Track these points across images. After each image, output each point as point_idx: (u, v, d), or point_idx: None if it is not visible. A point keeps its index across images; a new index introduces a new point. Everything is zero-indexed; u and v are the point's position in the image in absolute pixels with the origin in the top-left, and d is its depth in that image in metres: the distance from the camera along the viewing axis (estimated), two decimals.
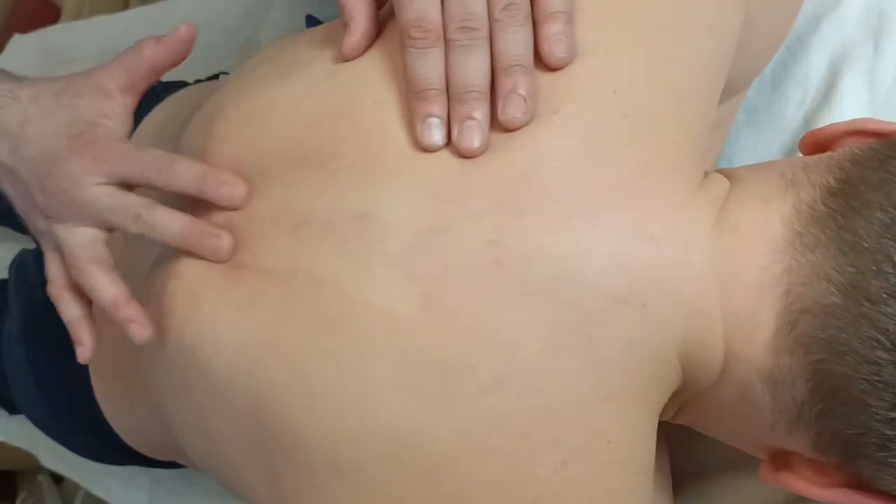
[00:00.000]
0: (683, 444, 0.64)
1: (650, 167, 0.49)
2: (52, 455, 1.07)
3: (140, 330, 0.55)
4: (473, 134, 0.48)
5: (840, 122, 0.52)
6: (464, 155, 0.48)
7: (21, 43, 1.26)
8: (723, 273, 0.48)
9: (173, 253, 0.58)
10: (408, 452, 0.47)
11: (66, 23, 1.47)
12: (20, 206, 0.60)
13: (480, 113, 0.48)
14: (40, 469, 1.33)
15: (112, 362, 0.75)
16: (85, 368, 0.78)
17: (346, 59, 0.53)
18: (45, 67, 1.21)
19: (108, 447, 0.84)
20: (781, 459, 0.51)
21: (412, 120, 0.49)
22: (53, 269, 0.61)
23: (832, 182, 0.47)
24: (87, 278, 0.57)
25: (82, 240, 0.58)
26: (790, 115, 0.74)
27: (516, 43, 0.49)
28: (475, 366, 0.46)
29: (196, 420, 0.58)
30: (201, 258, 0.54)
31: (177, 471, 0.92)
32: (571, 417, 0.46)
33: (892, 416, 0.42)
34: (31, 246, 0.92)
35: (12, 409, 1.05)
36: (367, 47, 0.53)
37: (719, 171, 0.54)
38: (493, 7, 0.48)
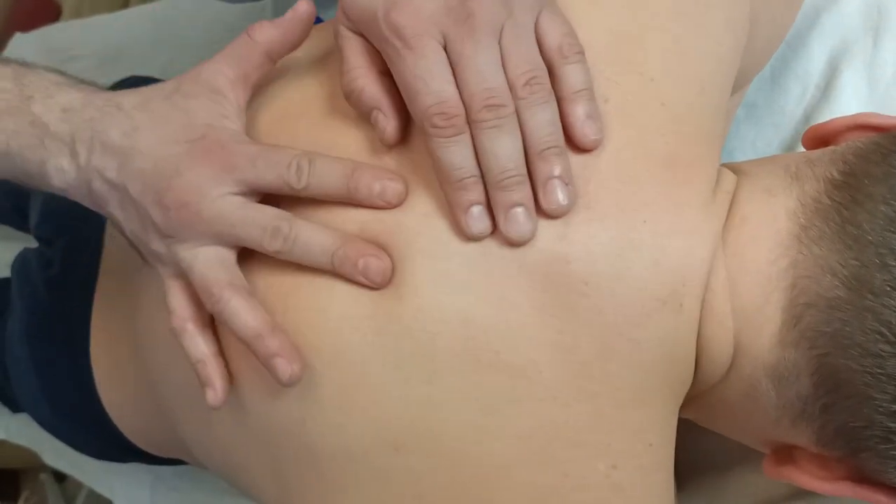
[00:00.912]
0: (687, 439, 0.64)
1: (683, 159, 0.49)
2: (55, 453, 1.07)
3: (286, 366, 0.47)
4: (521, 220, 0.46)
5: (842, 117, 0.53)
6: (515, 244, 0.46)
7: (22, 42, 1.26)
8: (732, 268, 0.48)
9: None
10: (470, 463, 0.46)
11: (66, 21, 1.48)
12: (131, 228, 0.52)
13: (523, 196, 0.46)
14: (43, 468, 1.34)
15: (115, 359, 0.75)
16: (88, 366, 0.78)
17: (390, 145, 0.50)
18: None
19: (110, 445, 0.84)
20: (785, 454, 0.51)
21: (453, 210, 0.46)
22: (176, 299, 0.52)
23: (836, 175, 0.47)
24: (224, 305, 0.49)
25: (211, 261, 0.50)
26: (790, 110, 0.75)
27: (545, 122, 0.46)
28: (542, 370, 0.46)
29: (203, 419, 0.58)
30: (352, 282, 0.48)
31: (179, 468, 0.92)
32: (620, 422, 0.46)
33: (894, 408, 0.43)
34: (34, 245, 0.92)
35: (15, 408, 1.05)
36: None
37: (725, 165, 0.54)
38: (514, 83, 0.46)
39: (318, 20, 0.88)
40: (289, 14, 0.52)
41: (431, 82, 0.45)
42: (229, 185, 0.49)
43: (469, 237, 0.46)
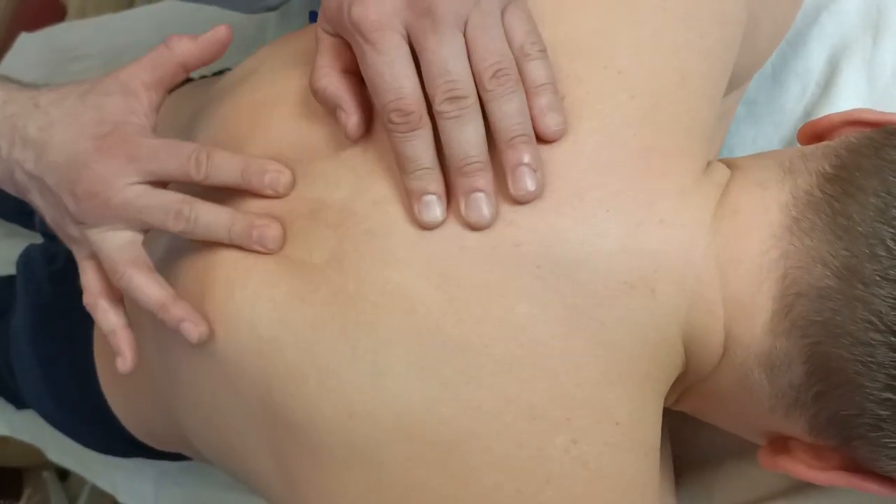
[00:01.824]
0: (684, 432, 0.64)
1: (658, 149, 0.49)
2: (58, 449, 1.07)
3: (193, 328, 0.53)
4: (481, 205, 0.47)
5: (837, 113, 0.53)
6: (474, 228, 0.48)
7: (27, 41, 1.27)
8: (723, 258, 0.48)
9: (180, 247, 0.58)
10: (420, 430, 0.47)
11: (71, 21, 1.48)
12: (50, 214, 0.57)
13: (485, 182, 0.48)
14: (45, 466, 1.34)
15: (137, 350, 0.76)
16: (91, 361, 0.79)
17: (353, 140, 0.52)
18: (51, 66, 1.22)
19: (114, 439, 0.84)
20: (780, 444, 0.51)
21: (409, 198, 0.49)
22: (89, 277, 0.58)
23: (828, 169, 0.48)
24: (128, 282, 0.55)
25: (119, 243, 0.55)
26: (790, 107, 0.75)
27: (513, 112, 0.48)
28: (489, 345, 0.47)
29: (203, 408, 0.58)
30: (249, 250, 0.53)
31: (182, 463, 0.92)
32: (582, 399, 0.47)
33: (885, 396, 0.43)
34: (38, 241, 0.93)
35: (19, 404, 1.06)
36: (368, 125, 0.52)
37: (721, 160, 0.55)
38: (482, 76, 0.47)
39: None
40: (208, 33, 0.56)
41: (390, 78, 0.47)
42: (134, 176, 0.53)
43: (421, 225, 0.48)
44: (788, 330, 0.46)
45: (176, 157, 0.54)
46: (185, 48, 0.56)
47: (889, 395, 0.43)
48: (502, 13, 0.48)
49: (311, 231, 0.52)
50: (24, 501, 1.40)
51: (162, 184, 0.55)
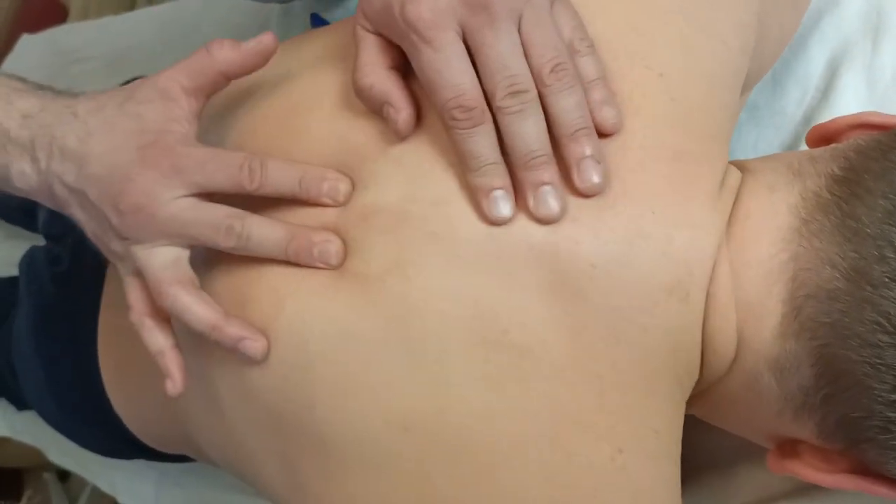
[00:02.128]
0: (691, 434, 0.64)
1: (692, 154, 0.49)
2: (59, 450, 1.07)
3: (253, 346, 0.50)
4: (549, 199, 0.47)
5: (845, 116, 0.54)
6: (543, 222, 0.47)
7: (29, 43, 1.27)
8: (736, 262, 0.49)
9: (213, 258, 0.56)
10: (477, 441, 0.46)
11: (73, 23, 1.48)
12: (91, 229, 0.54)
13: (551, 176, 0.47)
14: (46, 467, 1.34)
15: (123, 355, 0.76)
16: (95, 362, 0.78)
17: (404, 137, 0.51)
18: (53, 68, 1.22)
19: (116, 441, 0.84)
20: (788, 448, 0.52)
21: (476, 196, 0.48)
22: (134, 295, 0.55)
23: (837, 171, 0.48)
24: (174, 302, 0.52)
25: (164, 261, 0.52)
26: (790, 111, 0.75)
27: (573, 105, 0.47)
28: (550, 350, 0.46)
29: (212, 410, 0.58)
30: (308, 266, 0.51)
31: (183, 465, 0.92)
32: (624, 405, 0.47)
33: (893, 398, 0.43)
34: (41, 243, 0.93)
35: (20, 406, 1.06)
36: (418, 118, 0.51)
37: (731, 162, 0.55)
38: (541, 70, 0.47)
39: (324, 22, 0.89)
40: (252, 42, 0.53)
41: (448, 75, 0.47)
42: (180, 188, 0.51)
43: (491, 221, 0.48)
44: (797, 332, 0.46)
45: (226, 167, 0.51)
46: (227, 56, 0.53)
47: None
48: (550, 7, 0.49)
49: (365, 239, 0.50)
50: (24, 502, 1.40)
51: (209, 196, 0.52)
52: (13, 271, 0.95)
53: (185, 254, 0.53)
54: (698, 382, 0.51)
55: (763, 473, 0.63)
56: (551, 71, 0.47)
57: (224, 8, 1.12)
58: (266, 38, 0.53)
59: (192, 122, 0.53)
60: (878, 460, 0.47)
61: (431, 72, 0.47)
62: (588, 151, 0.47)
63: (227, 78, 0.54)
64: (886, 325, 0.43)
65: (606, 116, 0.48)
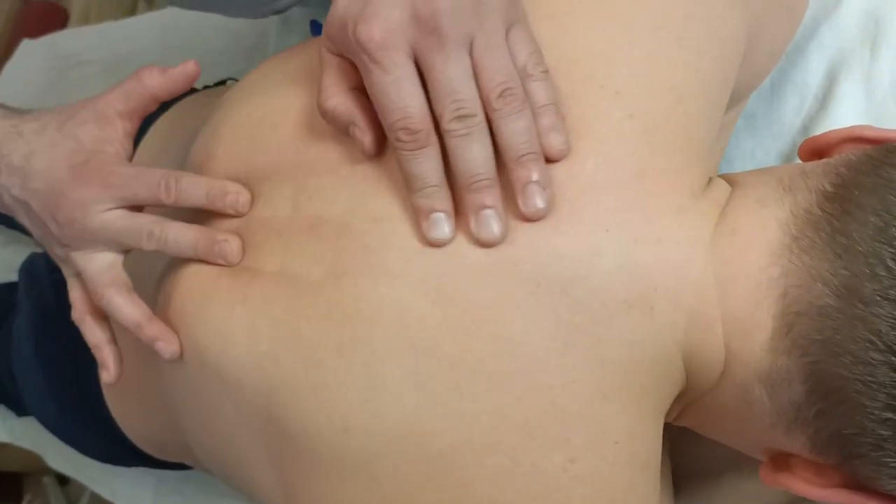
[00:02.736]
0: (684, 445, 0.64)
1: (655, 168, 0.49)
2: (59, 456, 1.07)
3: (166, 346, 0.57)
4: (491, 222, 0.48)
5: (838, 129, 0.53)
6: (484, 245, 0.48)
7: (30, 48, 1.27)
8: (723, 276, 0.49)
9: (181, 262, 0.59)
10: (413, 444, 0.47)
11: (74, 28, 1.48)
12: (37, 234, 0.61)
13: (493, 199, 0.48)
14: (45, 471, 1.34)
15: (123, 362, 0.76)
16: (94, 369, 0.77)
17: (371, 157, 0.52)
18: (54, 72, 1.22)
19: (115, 448, 0.84)
20: (781, 461, 0.51)
21: (416, 216, 0.49)
22: (75, 294, 0.62)
23: (828, 187, 0.48)
24: (108, 302, 0.58)
25: (100, 265, 0.59)
26: (788, 120, 0.75)
27: (521, 130, 0.48)
28: (483, 360, 0.47)
29: (204, 418, 0.59)
30: (213, 264, 0.56)
31: (182, 472, 0.93)
32: (578, 415, 0.47)
33: (886, 415, 0.43)
34: (41, 250, 0.93)
35: (20, 411, 1.06)
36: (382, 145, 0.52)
37: (722, 176, 0.55)
38: (489, 94, 0.47)
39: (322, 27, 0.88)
40: (178, 68, 0.59)
41: (396, 97, 0.47)
42: (109, 202, 0.57)
43: (430, 242, 0.49)
44: (789, 348, 0.46)
45: (146, 183, 0.57)
46: (156, 81, 0.59)
47: (890, 414, 0.43)
48: (507, 33, 0.49)
49: (307, 246, 0.52)
50: None
51: (139, 208, 0.59)
52: (12, 277, 0.95)
53: (119, 258, 0.59)
54: (686, 393, 0.52)
55: (756, 485, 0.63)
56: (499, 95, 0.47)
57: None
58: (189, 65, 0.59)
59: (124, 143, 0.60)
60: (870, 476, 0.46)
61: (380, 93, 0.48)
62: (534, 176, 0.48)
63: (157, 101, 0.60)
64: (878, 342, 0.43)
65: (553, 143, 0.49)
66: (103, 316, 0.62)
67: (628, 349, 0.48)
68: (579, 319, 0.47)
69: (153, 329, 0.57)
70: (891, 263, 0.43)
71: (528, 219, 0.48)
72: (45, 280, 0.86)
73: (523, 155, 0.48)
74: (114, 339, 0.63)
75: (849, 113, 0.72)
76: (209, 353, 0.55)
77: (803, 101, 0.75)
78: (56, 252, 0.61)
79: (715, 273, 0.49)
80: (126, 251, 0.60)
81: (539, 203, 0.47)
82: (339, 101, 0.51)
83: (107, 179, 0.57)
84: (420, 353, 0.48)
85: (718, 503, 0.67)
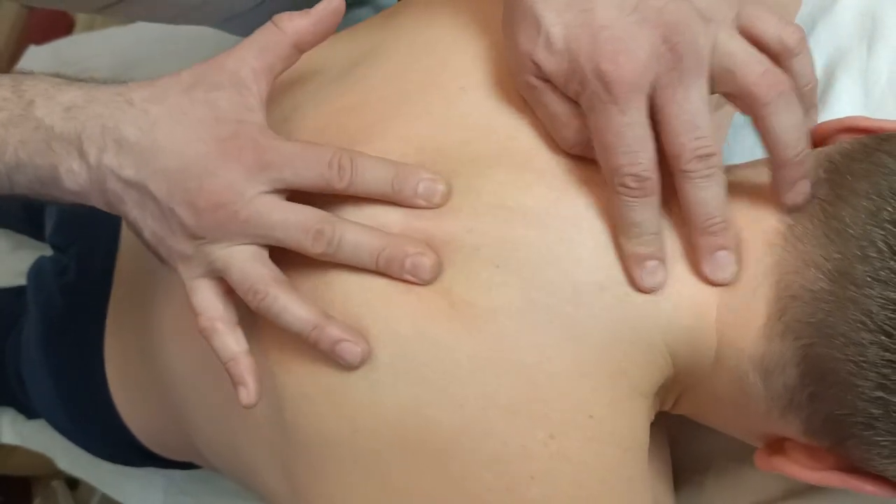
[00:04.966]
0: (682, 435, 0.65)
1: None
2: (68, 458, 1.07)
3: (354, 347, 0.47)
4: (728, 262, 0.48)
5: (833, 120, 0.54)
6: (716, 284, 0.48)
7: (36, 54, 1.28)
8: None
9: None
10: (416, 437, 0.48)
11: (79, 34, 1.49)
12: (151, 229, 0.49)
13: (730, 241, 0.48)
14: (55, 475, 1.34)
15: (129, 364, 0.77)
16: (102, 371, 0.79)
17: None
18: None
19: (124, 448, 0.85)
20: (776, 445, 0.52)
21: (628, 262, 0.48)
22: (204, 298, 0.50)
23: (822, 174, 0.49)
24: (273, 302, 0.48)
25: (249, 258, 0.49)
26: None
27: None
28: (462, 341, 0.47)
29: (215, 421, 0.59)
30: (398, 280, 0.49)
31: (191, 472, 0.93)
32: (554, 392, 0.47)
33: (876, 395, 0.44)
34: (49, 253, 0.94)
35: (30, 414, 1.06)
36: None
37: None
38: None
39: None
40: (321, 5, 0.50)
41: (631, 141, 0.45)
42: (263, 184, 0.47)
43: (644, 290, 0.48)
44: (782, 332, 0.47)
45: (314, 162, 0.48)
46: (298, 25, 0.50)
47: (880, 393, 0.44)
48: (737, 22, 0.47)
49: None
50: None
51: (289, 192, 0.49)
52: (21, 280, 0.96)
53: (265, 252, 0.50)
54: (679, 381, 0.52)
55: (757, 476, 0.63)
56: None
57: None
58: (334, 0, 0.51)
59: (263, 110, 0.50)
60: (863, 457, 0.47)
61: (611, 133, 0.46)
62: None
63: (300, 50, 0.51)
64: (869, 323, 0.43)
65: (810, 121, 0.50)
66: (236, 323, 0.51)
67: (603, 328, 0.48)
68: (548, 299, 0.48)
69: (335, 330, 0.47)
70: (882, 245, 0.44)
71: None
72: (53, 285, 0.86)
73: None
74: (249, 350, 0.51)
75: (846, 109, 0.73)
76: (216, 360, 0.53)
77: None
78: (179, 248, 0.49)
79: None
80: (271, 247, 0.50)
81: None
82: (579, 136, 0.49)
83: (263, 156, 0.47)
84: (409, 342, 0.48)
85: (721, 495, 0.67)
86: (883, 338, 0.43)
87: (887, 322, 0.43)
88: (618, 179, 0.46)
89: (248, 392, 0.50)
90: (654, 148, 0.46)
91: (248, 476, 0.59)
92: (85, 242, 0.84)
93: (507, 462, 0.47)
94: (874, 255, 0.44)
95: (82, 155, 0.48)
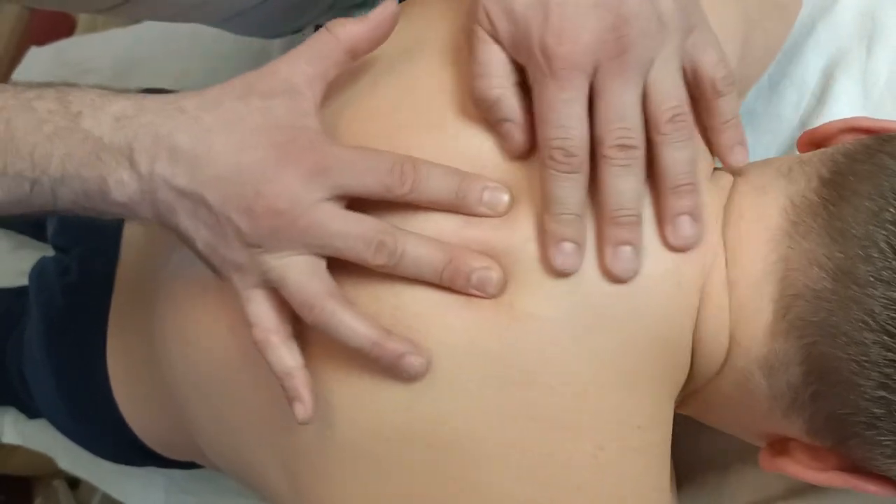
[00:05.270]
0: (685, 434, 0.65)
1: None
2: (70, 458, 1.07)
3: (415, 360, 0.46)
4: (628, 259, 0.47)
5: (835, 121, 0.55)
6: (616, 279, 0.47)
7: (37, 55, 1.28)
8: (731, 262, 0.50)
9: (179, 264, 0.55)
10: (445, 445, 0.47)
11: (81, 35, 1.49)
12: (204, 239, 0.48)
13: (634, 237, 0.47)
14: (56, 474, 1.35)
15: (131, 364, 0.77)
16: (104, 371, 0.79)
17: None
18: (60, 79, 1.22)
19: (126, 448, 0.84)
20: (779, 446, 0.52)
21: (545, 240, 0.47)
22: (259, 309, 0.49)
23: (825, 174, 0.49)
24: (330, 317, 0.47)
25: (307, 271, 0.47)
26: (787, 116, 0.76)
27: (683, 160, 0.47)
28: (520, 353, 0.47)
29: (217, 421, 0.59)
30: (458, 293, 0.48)
31: (193, 471, 0.93)
32: (603, 402, 0.47)
33: (879, 394, 0.44)
34: (51, 254, 0.94)
35: (31, 414, 1.06)
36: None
37: (721, 168, 0.56)
38: (658, 118, 0.46)
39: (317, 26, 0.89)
40: (377, 10, 0.50)
41: (564, 115, 0.46)
42: (322, 190, 0.46)
43: (555, 270, 0.47)
44: (786, 331, 0.47)
45: (375, 168, 0.47)
46: (352, 32, 0.49)
47: (883, 393, 0.44)
48: (685, 43, 0.48)
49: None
50: None
51: (348, 200, 0.48)
52: (23, 281, 0.96)
53: (322, 263, 0.48)
54: (690, 382, 0.52)
55: (759, 474, 0.63)
56: (669, 120, 0.47)
57: None
58: (389, 5, 0.50)
59: (318, 116, 0.49)
60: (865, 457, 0.47)
61: (547, 106, 0.46)
62: (689, 209, 0.48)
63: (354, 56, 0.50)
64: (872, 323, 0.44)
65: (738, 159, 0.51)
66: (291, 336, 0.49)
67: (652, 329, 0.48)
68: (599, 300, 0.48)
69: (396, 344, 0.46)
70: (884, 246, 0.44)
71: (674, 248, 0.48)
72: (55, 285, 0.86)
73: (681, 185, 0.48)
74: (305, 364, 0.49)
75: (846, 109, 0.73)
76: (219, 362, 0.54)
77: (801, 97, 0.76)
78: (234, 258, 0.48)
79: (725, 260, 0.50)
80: (329, 257, 0.48)
81: (690, 232, 0.48)
82: (507, 93, 0.48)
83: (324, 161, 0.46)
84: (459, 351, 0.47)
85: (722, 494, 0.67)
86: (885, 338, 0.43)
87: (889, 322, 0.43)
88: (547, 152, 0.47)
89: (305, 408, 0.48)
90: (588, 130, 0.46)
91: (249, 475, 0.59)
92: (87, 245, 0.84)
93: (550, 474, 0.47)
94: (876, 255, 0.44)
95: (133, 165, 0.47)
